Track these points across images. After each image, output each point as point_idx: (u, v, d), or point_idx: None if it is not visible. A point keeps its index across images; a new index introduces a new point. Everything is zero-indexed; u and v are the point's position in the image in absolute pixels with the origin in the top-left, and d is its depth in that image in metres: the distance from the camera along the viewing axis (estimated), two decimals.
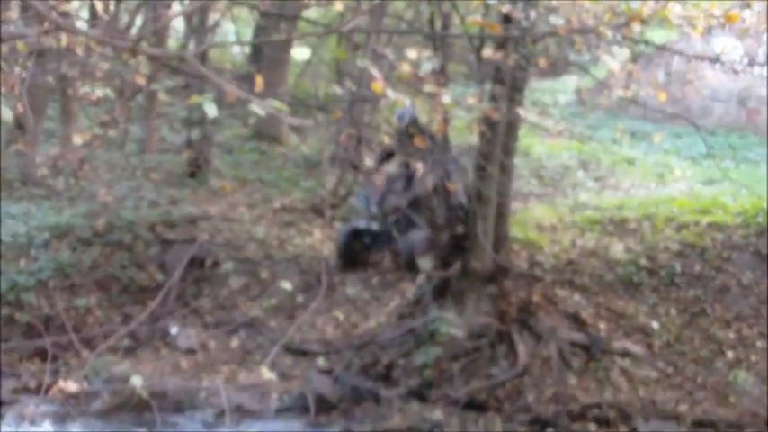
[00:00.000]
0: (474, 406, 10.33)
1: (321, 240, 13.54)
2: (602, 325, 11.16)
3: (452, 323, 10.92)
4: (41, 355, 11.56)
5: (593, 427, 10.05)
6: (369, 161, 14.47)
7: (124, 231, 13.31)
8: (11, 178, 15.02)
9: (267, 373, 3.69)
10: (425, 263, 12.04)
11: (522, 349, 10.76)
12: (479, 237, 11.15)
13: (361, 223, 12.69)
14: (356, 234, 12.61)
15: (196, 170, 15.37)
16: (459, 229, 11.65)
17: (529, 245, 12.11)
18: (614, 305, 11.43)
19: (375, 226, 12.50)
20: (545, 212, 13.15)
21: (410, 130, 12.10)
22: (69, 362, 11.17)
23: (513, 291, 11.35)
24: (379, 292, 12.53)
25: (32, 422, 9.68)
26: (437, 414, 10.17)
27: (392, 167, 12.69)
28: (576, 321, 11.19)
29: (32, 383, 10.83)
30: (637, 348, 10.93)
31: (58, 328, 11.77)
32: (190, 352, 11.64)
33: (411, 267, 12.13)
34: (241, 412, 10.05)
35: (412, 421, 10.06)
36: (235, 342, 11.74)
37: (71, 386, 3.46)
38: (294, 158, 16.64)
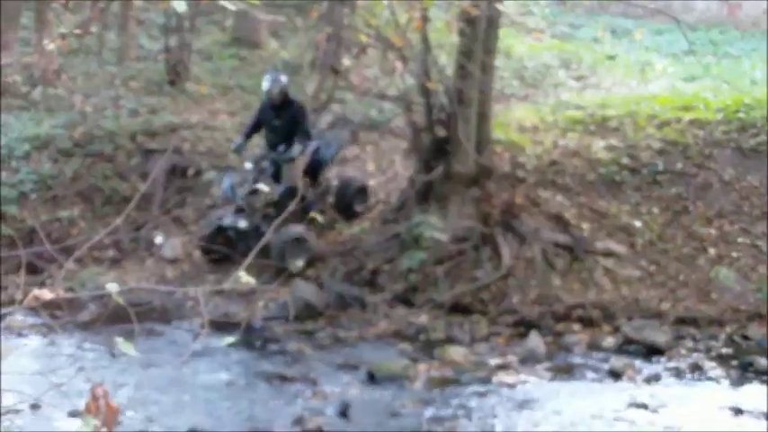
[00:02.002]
0: (459, 309, 10.42)
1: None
2: (584, 225, 11.21)
3: (436, 227, 10.93)
4: (27, 267, 11.57)
5: (577, 326, 10.16)
6: (347, 62, 14.32)
7: (105, 141, 13.24)
8: None
9: (246, 278, 3.69)
10: (297, 263, 10.93)
11: (506, 251, 10.81)
12: (462, 139, 11.11)
13: (227, 219, 11.21)
14: (221, 231, 11.22)
15: (175, 78, 15.18)
16: (441, 132, 11.56)
17: (511, 146, 12.07)
18: (597, 205, 11.46)
19: (242, 222, 11.06)
20: (527, 113, 13.07)
21: (278, 102, 11.35)
22: (54, 274, 11.18)
23: (496, 193, 11.36)
24: None
25: (20, 334, 9.74)
26: (423, 318, 10.27)
27: (258, 150, 11.76)
28: (559, 222, 11.22)
29: (18, 296, 10.85)
30: (620, 248, 10.99)
31: (42, 241, 11.75)
32: (175, 262, 11.68)
33: (282, 267, 10.75)
34: (227, 321, 10.09)
35: (398, 326, 10.16)
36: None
37: (46, 294, 3.45)
38: (274, 64, 16.44)
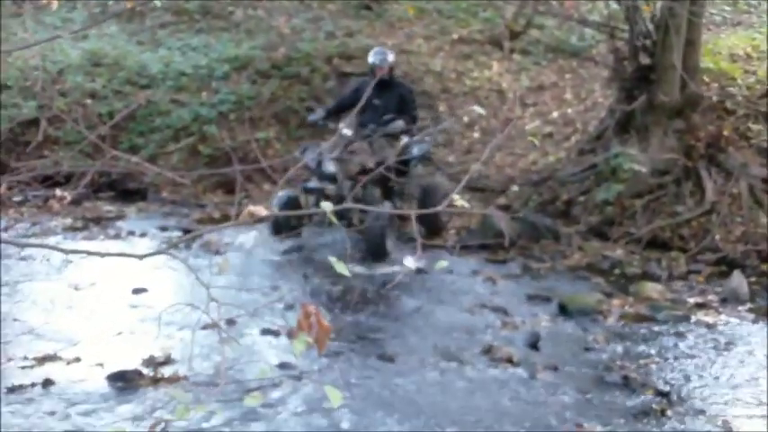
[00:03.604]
0: (657, 244, 10.06)
1: (500, 73, 13.21)
2: None
3: (636, 159, 10.56)
4: (224, 186, 11.84)
5: None
6: None
7: (301, 64, 13.36)
8: (191, 10, 15.16)
9: (460, 201, 3.56)
10: (392, 244, 9.76)
11: (710, 186, 10.35)
12: (668, 67, 10.63)
13: (312, 182, 9.94)
14: (306, 192, 10.00)
15: (372, 1, 15.16)
16: (645, 60, 11.08)
17: (720, 76, 11.49)
18: None
19: (330, 186, 9.81)
20: (739, 41, 12.40)
21: (385, 79, 10.23)
22: (251, 193, 11.37)
23: (701, 125, 10.86)
24: (559, 126, 12.22)
25: (216, 252, 9.94)
26: (618, 252, 9.95)
27: (349, 124, 10.32)
28: None
29: (217, 214, 11.12)
30: None
31: (240, 161, 11.97)
32: None
33: (377, 249, 9.65)
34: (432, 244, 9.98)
35: (592, 259, 9.88)
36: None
37: (261, 211, 3.42)
38: None
